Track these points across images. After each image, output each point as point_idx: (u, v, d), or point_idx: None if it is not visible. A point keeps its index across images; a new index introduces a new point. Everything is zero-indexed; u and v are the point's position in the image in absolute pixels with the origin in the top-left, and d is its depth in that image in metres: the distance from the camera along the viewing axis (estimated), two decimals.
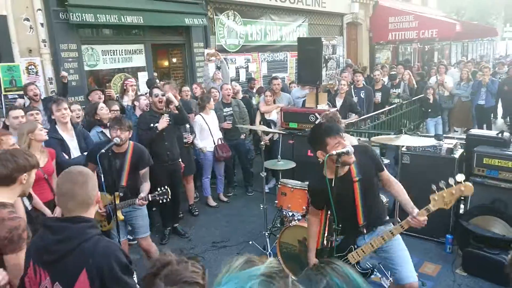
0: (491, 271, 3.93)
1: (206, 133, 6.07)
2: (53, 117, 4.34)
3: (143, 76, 7.66)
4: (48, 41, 6.24)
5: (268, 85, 7.55)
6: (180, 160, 5.33)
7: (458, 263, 4.29)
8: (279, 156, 5.11)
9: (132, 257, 4.02)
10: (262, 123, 6.68)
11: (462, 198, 4.75)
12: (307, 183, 3.13)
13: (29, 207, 3.36)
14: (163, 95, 5.06)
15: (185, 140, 5.58)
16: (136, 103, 5.69)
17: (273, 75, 8.56)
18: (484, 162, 4.40)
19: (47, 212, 3.70)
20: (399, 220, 3.26)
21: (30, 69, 6.08)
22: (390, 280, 3.84)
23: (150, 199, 3.71)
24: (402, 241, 2.97)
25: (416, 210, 2.68)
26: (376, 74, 8.91)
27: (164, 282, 1.37)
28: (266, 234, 4.77)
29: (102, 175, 3.57)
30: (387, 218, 3.14)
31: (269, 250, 4.61)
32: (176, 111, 5.14)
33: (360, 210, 2.83)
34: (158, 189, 3.70)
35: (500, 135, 4.60)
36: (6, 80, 5.78)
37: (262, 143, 5.16)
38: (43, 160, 3.77)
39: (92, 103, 5.31)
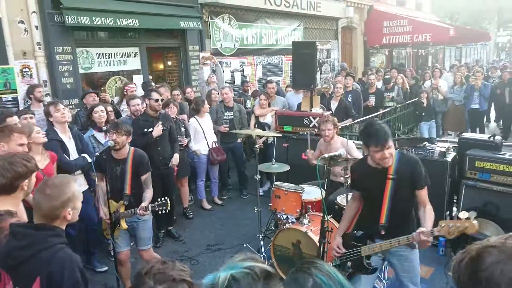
0: None
1: (201, 136, 6.08)
2: (51, 119, 4.31)
3: (138, 79, 7.65)
4: (42, 43, 6.22)
5: (263, 89, 7.58)
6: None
7: (451, 266, 4.31)
8: (273, 159, 5.13)
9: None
10: (256, 126, 6.70)
11: (455, 200, 4.81)
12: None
13: None
14: (162, 99, 5.07)
15: (180, 143, 5.58)
16: (127, 107, 5.60)
17: (268, 78, 8.59)
18: (476, 165, 4.44)
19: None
20: None
21: (25, 71, 6.06)
22: (384, 284, 3.88)
23: (150, 209, 3.63)
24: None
25: (424, 229, 2.69)
26: (371, 78, 8.97)
27: (153, 280, 1.41)
28: (260, 237, 4.78)
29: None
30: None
31: (263, 253, 4.61)
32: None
33: (385, 208, 2.88)
34: (158, 199, 3.63)
35: (492, 138, 4.65)
36: (0, 82, 5.76)
37: (256, 146, 5.18)
38: (43, 162, 3.75)
39: (91, 105, 5.30)
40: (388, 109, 8.51)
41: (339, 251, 3.07)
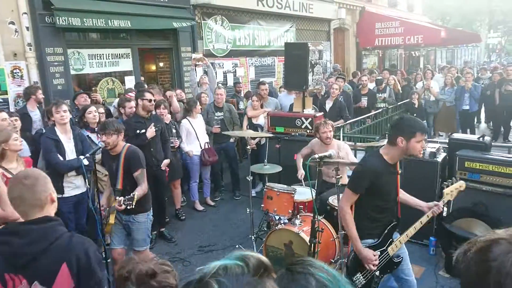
0: None
1: (193, 137, 6.08)
2: (52, 119, 4.39)
3: (130, 81, 7.63)
4: (33, 44, 6.19)
5: (256, 90, 7.59)
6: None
7: (441, 265, 4.37)
8: (265, 160, 5.14)
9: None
10: (249, 127, 6.71)
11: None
12: (359, 163, 3.13)
13: None
14: (155, 100, 5.07)
15: (172, 145, 5.57)
16: (122, 110, 5.56)
17: (261, 79, 8.61)
18: (466, 166, 4.49)
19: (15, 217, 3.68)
20: None
21: (15, 73, 6.03)
22: None
23: (122, 204, 3.55)
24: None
25: (432, 203, 3.04)
26: (363, 79, 9.02)
27: (135, 285, 1.41)
28: (253, 238, 4.79)
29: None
30: None
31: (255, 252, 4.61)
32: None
33: (399, 202, 3.02)
34: (130, 195, 3.58)
35: (481, 139, 4.70)
36: None
37: (249, 147, 5.19)
38: (20, 169, 3.73)
39: (83, 105, 5.29)
40: (380, 110, 8.56)
41: (375, 262, 2.90)
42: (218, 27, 9.42)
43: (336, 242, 4.02)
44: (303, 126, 6.03)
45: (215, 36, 9.36)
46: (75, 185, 4.38)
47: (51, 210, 2.00)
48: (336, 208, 3.84)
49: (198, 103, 6.23)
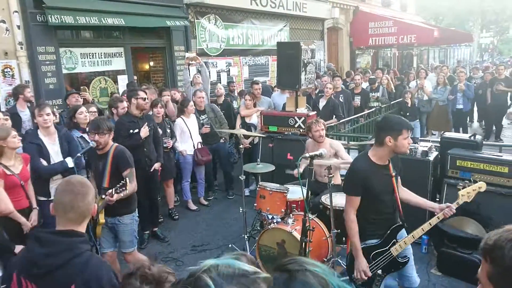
0: (464, 271, 4.03)
1: (187, 136, 6.06)
2: (35, 121, 4.25)
3: (122, 80, 7.59)
4: (25, 43, 6.14)
5: (250, 90, 7.59)
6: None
7: (433, 263, 4.39)
8: (258, 159, 5.14)
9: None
10: (242, 126, 6.70)
11: (437, 199, 4.90)
12: (350, 167, 3.13)
13: None
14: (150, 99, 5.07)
15: (165, 145, 5.54)
16: (114, 110, 5.50)
17: (254, 79, 8.60)
18: (457, 164, 4.51)
19: (23, 220, 3.65)
20: None
21: (6, 72, 5.97)
22: None
23: (113, 193, 3.56)
24: None
25: (444, 205, 3.03)
26: (356, 79, 9.05)
27: (139, 281, 1.44)
28: (246, 237, 4.79)
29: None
30: None
31: (249, 253, 4.61)
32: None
33: (399, 203, 3.03)
34: (121, 182, 3.60)
35: (472, 138, 4.73)
36: None
37: (242, 146, 5.19)
38: (18, 167, 3.72)
39: (74, 105, 5.22)
40: (373, 109, 8.58)
41: (368, 274, 2.94)
42: (211, 26, 9.40)
43: (328, 241, 4.02)
44: (296, 125, 6.03)
45: (208, 35, 9.34)
46: None
47: (86, 224, 1.94)
48: (329, 206, 3.86)
49: (191, 102, 6.20)
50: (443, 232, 4.28)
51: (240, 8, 9.94)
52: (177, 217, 6.02)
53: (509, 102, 10.84)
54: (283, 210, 4.34)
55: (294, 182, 4.82)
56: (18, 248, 3.29)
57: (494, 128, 10.43)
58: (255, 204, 4.59)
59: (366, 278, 2.92)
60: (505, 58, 28.31)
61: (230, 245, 4.94)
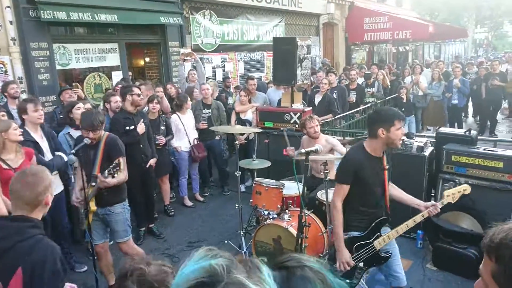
0: (459, 265, 4.05)
1: (182, 133, 6.03)
2: (24, 116, 4.10)
3: (117, 76, 7.54)
4: (17, 39, 6.07)
5: (245, 85, 7.56)
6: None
7: (429, 258, 4.41)
8: (254, 155, 5.13)
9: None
10: (237, 122, 6.67)
11: (432, 194, 4.92)
12: (344, 157, 3.15)
13: None
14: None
15: (157, 142, 5.50)
16: (107, 105, 5.46)
17: (250, 74, 8.58)
18: (452, 160, 4.52)
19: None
20: None
21: None
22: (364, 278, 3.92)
23: (107, 175, 3.57)
24: None
25: (429, 203, 3.04)
26: (352, 74, 9.03)
27: (136, 284, 1.41)
28: (242, 233, 4.78)
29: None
30: None
31: (245, 249, 4.62)
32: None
33: (387, 198, 3.03)
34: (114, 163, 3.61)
35: (467, 133, 4.74)
36: None
37: (237, 142, 5.17)
38: (17, 161, 3.60)
39: (70, 101, 5.16)
40: (369, 104, 8.59)
41: (351, 264, 2.96)
42: (206, 21, 9.35)
43: (324, 237, 4.03)
44: (292, 121, 6.02)
45: (203, 31, 9.30)
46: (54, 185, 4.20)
47: (40, 212, 2.01)
48: (324, 202, 3.86)
49: (189, 99, 6.17)
50: (438, 227, 4.30)
51: (235, 3, 9.89)
52: (172, 213, 6.01)
53: (503, 97, 10.89)
54: (279, 206, 4.34)
55: (290, 178, 4.81)
56: None
57: (488, 123, 10.47)
58: (251, 200, 4.59)
59: (348, 268, 2.93)
60: (499, 54, 28.41)
61: (226, 241, 4.93)
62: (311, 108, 6.50)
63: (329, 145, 4.66)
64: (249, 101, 6.86)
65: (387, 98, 9.39)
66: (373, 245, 2.99)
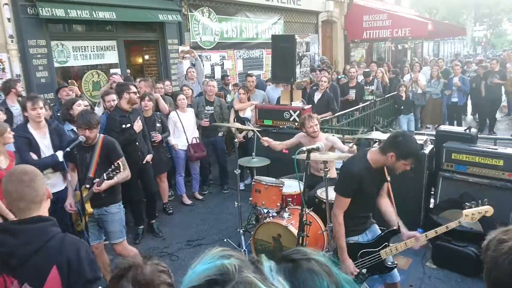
0: (459, 263, 4.05)
1: (180, 131, 6.00)
2: (25, 114, 4.12)
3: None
4: (15, 36, 6.03)
5: (244, 82, 7.54)
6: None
7: (429, 256, 4.40)
8: (253, 153, 5.11)
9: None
10: (236, 120, 6.65)
11: (432, 192, 4.91)
12: (346, 166, 3.08)
13: None
14: (138, 91, 4.99)
15: (152, 139, 5.47)
16: (103, 103, 5.44)
17: (249, 72, 8.55)
18: (452, 158, 4.52)
19: (10, 216, 3.59)
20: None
21: None
22: None
23: (105, 178, 3.57)
24: None
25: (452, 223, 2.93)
26: (351, 72, 9.01)
27: (131, 284, 1.39)
28: (241, 232, 4.77)
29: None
30: None
31: (244, 248, 4.60)
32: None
33: (392, 199, 3.03)
34: (113, 166, 3.60)
35: (467, 131, 4.73)
36: None
37: (236, 140, 5.15)
38: (6, 162, 3.66)
39: (70, 98, 5.14)
40: (368, 102, 8.58)
41: (355, 273, 2.97)
42: (205, 19, 9.31)
43: (324, 235, 4.02)
44: (291, 119, 6.00)
45: (202, 28, 9.26)
46: (51, 183, 4.12)
47: (46, 206, 1.99)
48: (324, 200, 3.84)
49: (181, 96, 6.11)
50: (438, 225, 4.28)
51: (234, 0, 9.86)
52: (171, 211, 5.99)
53: (503, 95, 10.89)
54: (278, 204, 4.32)
55: (289, 176, 4.79)
56: None
57: (488, 121, 10.47)
58: (250, 198, 4.57)
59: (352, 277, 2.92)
60: (498, 52, 28.42)
61: (225, 240, 4.92)
62: (310, 106, 6.48)
63: (329, 143, 4.64)
64: (248, 99, 6.83)
65: (386, 96, 9.39)
66: (379, 254, 2.98)
